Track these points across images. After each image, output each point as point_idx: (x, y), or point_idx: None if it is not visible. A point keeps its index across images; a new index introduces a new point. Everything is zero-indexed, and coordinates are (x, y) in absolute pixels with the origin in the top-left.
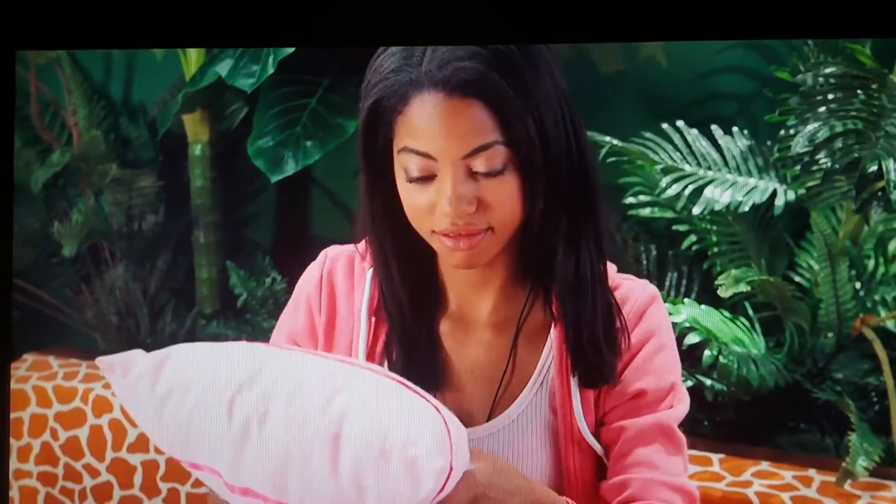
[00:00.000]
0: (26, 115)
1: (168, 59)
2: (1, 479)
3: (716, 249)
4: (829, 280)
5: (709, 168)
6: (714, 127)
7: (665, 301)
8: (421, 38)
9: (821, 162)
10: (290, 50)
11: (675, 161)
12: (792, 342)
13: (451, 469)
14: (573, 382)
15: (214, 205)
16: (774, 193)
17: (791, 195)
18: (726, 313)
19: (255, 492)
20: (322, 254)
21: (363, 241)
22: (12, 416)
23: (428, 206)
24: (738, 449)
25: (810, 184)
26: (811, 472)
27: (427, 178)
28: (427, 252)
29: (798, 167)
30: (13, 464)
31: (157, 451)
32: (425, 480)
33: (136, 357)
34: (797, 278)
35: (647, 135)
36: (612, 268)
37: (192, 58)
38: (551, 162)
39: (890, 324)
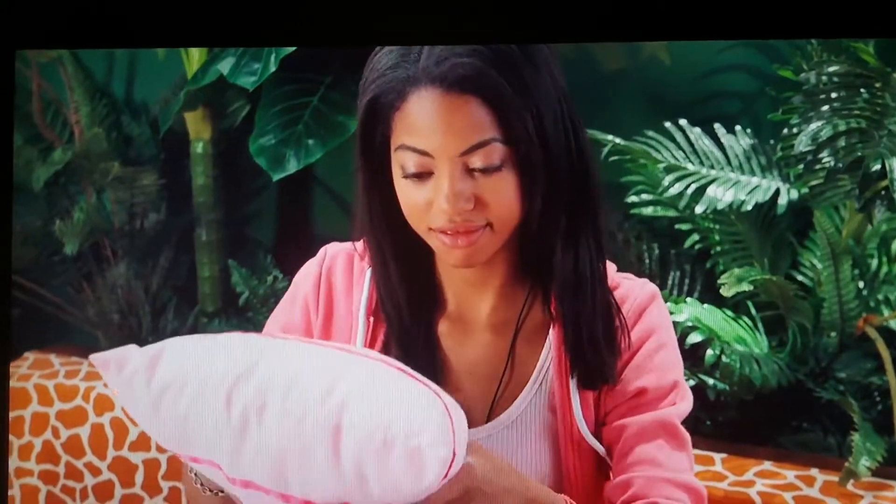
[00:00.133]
0: (28, 112)
1: (170, 57)
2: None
3: (718, 248)
4: (832, 279)
5: (711, 167)
6: (717, 125)
7: (667, 300)
8: (422, 38)
9: (824, 161)
10: (293, 48)
11: (677, 160)
12: (795, 341)
13: (453, 456)
14: (572, 383)
15: (216, 203)
16: (777, 192)
17: (794, 194)
18: (729, 312)
19: (257, 484)
20: (321, 251)
21: (362, 239)
22: (14, 414)
23: (425, 204)
24: (740, 448)
25: (813, 183)
26: (814, 471)
27: (424, 175)
28: (425, 251)
29: (801, 166)
30: (14, 462)
31: (159, 449)
32: (429, 469)
33: (130, 352)
34: (800, 277)
35: (650, 133)
36: (611, 267)
37: (194, 56)
38: (550, 160)
39: (893, 323)
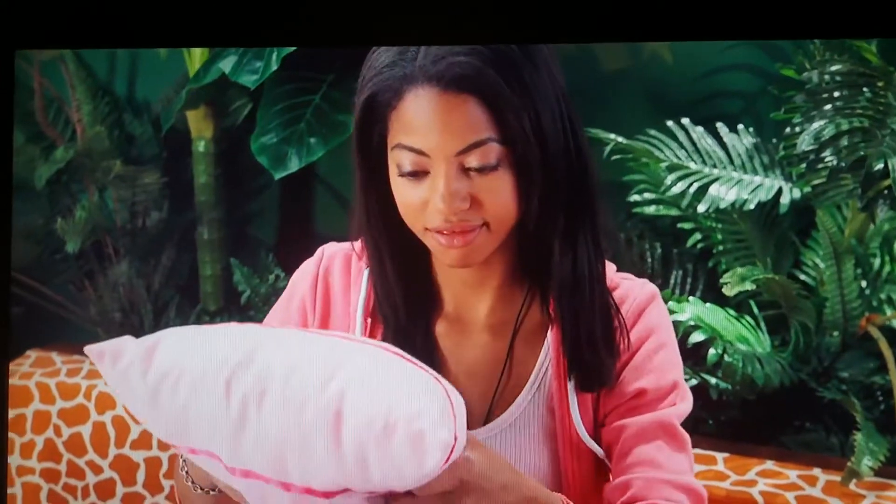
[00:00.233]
0: (30, 111)
1: (172, 55)
2: (3, 476)
3: (721, 247)
4: (834, 278)
5: (714, 166)
6: (719, 124)
7: (670, 299)
8: (422, 38)
9: (826, 160)
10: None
11: (680, 159)
12: (797, 341)
13: (455, 440)
14: (570, 384)
15: (218, 201)
16: (780, 191)
17: (797, 193)
18: (731, 312)
19: (257, 473)
20: (319, 250)
21: (359, 239)
22: (15, 412)
23: (421, 203)
24: (742, 448)
25: (816, 182)
26: (816, 471)
27: (420, 174)
28: (423, 251)
29: (804, 165)
30: (16, 460)
31: (160, 447)
32: (431, 453)
33: (125, 343)
34: (802, 277)
35: (652, 132)
36: (610, 267)
37: (196, 54)
38: (548, 160)
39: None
